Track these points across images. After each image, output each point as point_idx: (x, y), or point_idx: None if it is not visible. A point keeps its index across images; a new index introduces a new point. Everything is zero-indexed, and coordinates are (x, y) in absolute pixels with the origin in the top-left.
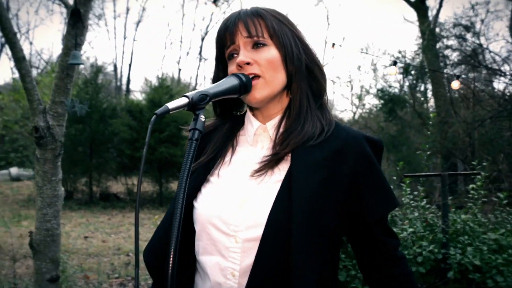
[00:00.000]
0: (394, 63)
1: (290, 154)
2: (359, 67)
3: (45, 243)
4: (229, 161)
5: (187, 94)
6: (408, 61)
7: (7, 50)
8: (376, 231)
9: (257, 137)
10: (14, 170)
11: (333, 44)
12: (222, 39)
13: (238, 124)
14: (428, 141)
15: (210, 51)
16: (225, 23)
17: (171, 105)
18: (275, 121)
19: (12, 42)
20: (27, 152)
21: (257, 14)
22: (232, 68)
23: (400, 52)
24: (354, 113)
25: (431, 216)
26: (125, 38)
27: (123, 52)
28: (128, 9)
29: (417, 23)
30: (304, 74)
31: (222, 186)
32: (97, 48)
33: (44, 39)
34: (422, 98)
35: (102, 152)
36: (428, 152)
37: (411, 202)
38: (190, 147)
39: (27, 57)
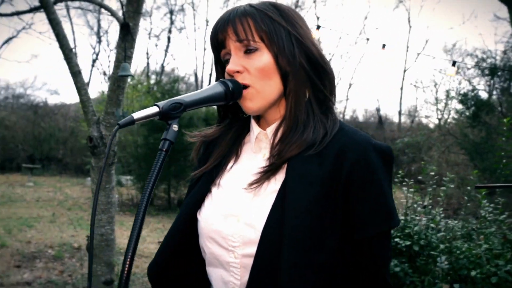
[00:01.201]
0: (453, 63)
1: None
2: (440, 70)
3: (99, 247)
4: (230, 169)
5: (158, 103)
6: (496, 61)
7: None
8: (362, 257)
9: (259, 144)
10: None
11: (384, 45)
12: (215, 42)
13: (245, 128)
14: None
15: None
16: (215, 26)
17: (136, 115)
18: (274, 126)
19: (69, 58)
20: None
21: (246, 14)
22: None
23: (484, 52)
24: (440, 119)
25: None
26: (205, 49)
27: (204, 63)
28: (207, 21)
29: (509, 20)
30: (303, 76)
31: (220, 198)
32: (179, 59)
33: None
34: None
35: (180, 160)
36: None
37: (489, 215)
38: (159, 158)
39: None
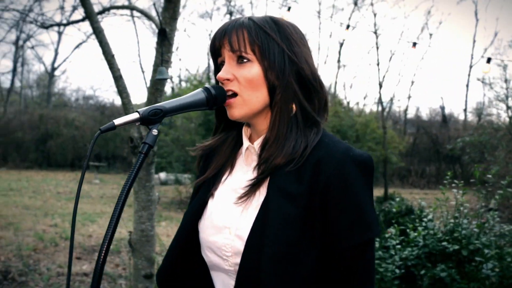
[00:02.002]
0: (488, 60)
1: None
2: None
3: (140, 242)
4: (224, 181)
5: (139, 109)
6: None
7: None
8: (342, 268)
9: (250, 156)
10: (162, 175)
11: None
12: (212, 50)
13: (239, 139)
14: None
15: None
16: (214, 34)
17: (118, 121)
18: (260, 140)
19: (111, 63)
20: (170, 158)
21: (243, 26)
22: None
23: None
24: (510, 117)
25: None
26: None
27: None
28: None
29: None
30: (290, 92)
31: (215, 210)
32: None
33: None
34: None
35: None
36: None
37: None
38: (138, 160)
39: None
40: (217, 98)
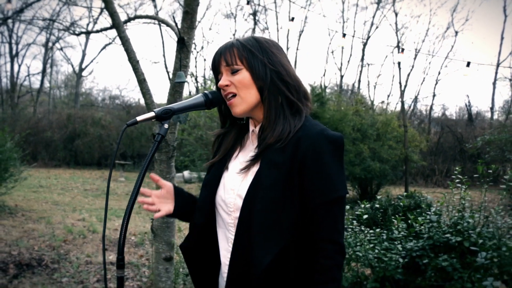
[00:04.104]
0: (468, 64)
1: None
2: None
3: (161, 228)
4: (235, 156)
5: (155, 109)
6: None
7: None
8: (315, 222)
9: (254, 137)
10: (186, 173)
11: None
12: (213, 68)
13: (244, 128)
14: None
15: (372, 56)
16: (213, 56)
17: (139, 118)
18: (259, 126)
19: (135, 68)
20: (193, 157)
21: (233, 46)
22: None
23: None
24: None
25: None
26: (288, 48)
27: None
28: (292, 18)
29: None
30: (274, 88)
31: (227, 178)
32: None
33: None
34: None
35: None
36: None
37: None
38: (153, 147)
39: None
40: (213, 101)
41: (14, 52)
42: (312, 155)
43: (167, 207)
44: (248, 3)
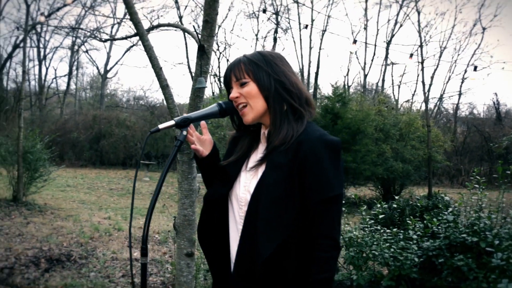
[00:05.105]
0: (475, 69)
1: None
2: None
3: (183, 226)
4: (251, 156)
5: (175, 118)
6: None
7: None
8: (314, 219)
9: (264, 140)
10: None
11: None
12: (225, 83)
13: (257, 133)
14: None
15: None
16: (224, 73)
17: (161, 125)
18: (267, 130)
19: (159, 75)
20: None
21: (240, 62)
22: None
23: None
24: None
25: None
26: (310, 48)
27: (310, 62)
28: (312, 21)
29: None
30: (278, 97)
31: (242, 176)
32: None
33: None
34: None
35: None
36: None
37: None
38: (173, 151)
39: None
40: (226, 110)
41: (42, 55)
42: (312, 158)
43: (202, 149)
44: (264, 12)
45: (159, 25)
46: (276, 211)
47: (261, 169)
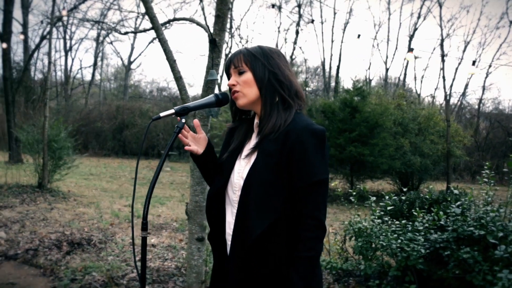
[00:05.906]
0: (473, 63)
1: None
2: None
3: (194, 211)
4: (246, 145)
5: (175, 107)
6: None
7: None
8: (300, 202)
9: (257, 129)
10: None
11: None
12: (226, 72)
13: (252, 123)
14: None
15: (418, 48)
16: (225, 62)
17: (162, 114)
18: (259, 119)
19: (173, 67)
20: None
21: (240, 52)
22: None
23: None
24: None
25: None
26: (332, 41)
27: (331, 55)
28: (335, 13)
29: None
30: (271, 87)
31: (237, 164)
32: (308, 51)
33: None
34: None
35: None
36: None
37: None
38: (172, 137)
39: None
40: (222, 100)
41: (68, 47)
42: (298, 146)
43: (196, 148)
44: (273, 6)
45: (174, 19)
46: (266, 193)
47: (254, 156)
